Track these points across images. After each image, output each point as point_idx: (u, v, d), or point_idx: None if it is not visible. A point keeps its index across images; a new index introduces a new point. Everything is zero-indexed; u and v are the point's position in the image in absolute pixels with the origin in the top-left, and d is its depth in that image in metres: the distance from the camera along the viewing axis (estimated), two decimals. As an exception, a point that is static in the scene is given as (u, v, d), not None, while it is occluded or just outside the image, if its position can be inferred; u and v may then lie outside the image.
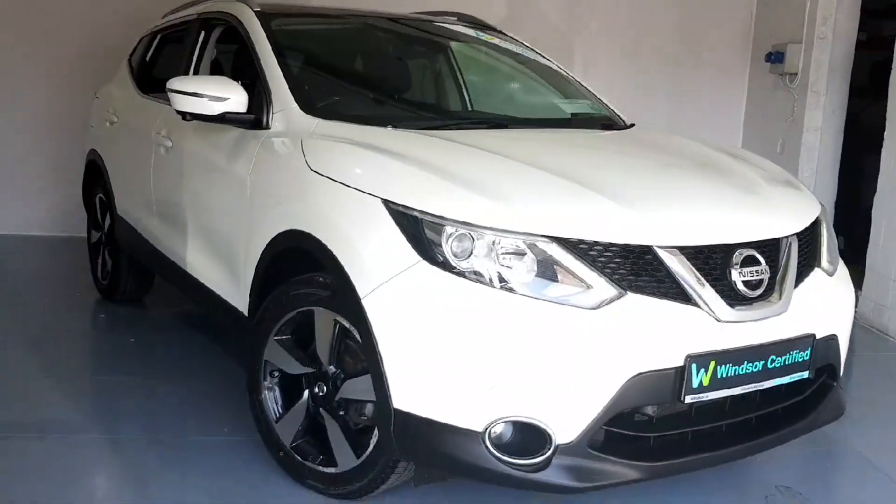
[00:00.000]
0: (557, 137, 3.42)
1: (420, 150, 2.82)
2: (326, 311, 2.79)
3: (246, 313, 3.26)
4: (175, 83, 3.31)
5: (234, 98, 3.27)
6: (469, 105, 3.95)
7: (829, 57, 6.47)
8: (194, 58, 4.18)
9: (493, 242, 2.42)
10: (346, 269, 2.60)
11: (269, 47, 3.48)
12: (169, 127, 3.99)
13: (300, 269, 2.93)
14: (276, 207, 3.02)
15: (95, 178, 5.19)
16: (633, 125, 3.83)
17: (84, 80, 6.73)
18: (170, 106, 3.97)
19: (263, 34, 3.55)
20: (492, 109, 3.83)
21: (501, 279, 2.40)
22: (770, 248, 2.69)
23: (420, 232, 2.47)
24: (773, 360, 2.60)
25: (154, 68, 4.90)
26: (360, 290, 2.55)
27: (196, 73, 4.17)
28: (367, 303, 2.53)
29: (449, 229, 2.44)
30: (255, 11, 3.74)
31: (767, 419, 2.75)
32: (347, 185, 2.69)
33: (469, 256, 2.43)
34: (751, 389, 2.59)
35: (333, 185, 2.74)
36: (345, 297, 2.64)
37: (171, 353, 4.33)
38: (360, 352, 2.67)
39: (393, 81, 3.84)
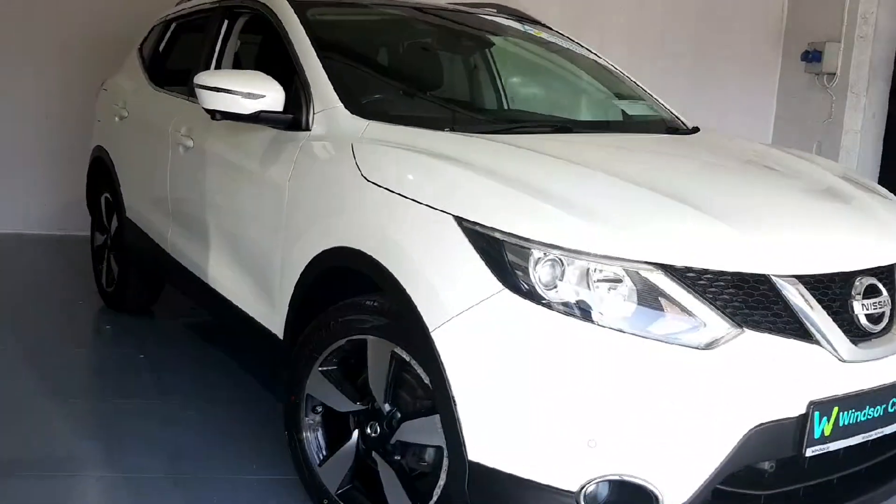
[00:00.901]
0: (633, 143, 3.09)
1: (490, 159, 2.48)
2: (382, 340, 2.45)
3: (280, 336, 2.92)
4: (204, 78, 2.96)
5: (271, 95, 2.92)
6: (522, 105, 3.60)
7: (869, 57, 6.18)
8: (216, 50, 3.82)
9: (589, 270, 2.09)
10: (411, 295, 2.26)
11: (308, 40, 3.13)
12: (190, 124, 3.64)
13: (349, 290, 2.60)
14: (321, 220, 2.68)
15: (101, 176, 4.84)
16: (696, 129, 3.51)
17: (85, 69, 6.39)
18: (189, 101, 3.70)
19: (300, 25, 3.21)
20: (547, 110, 3.50)
21: (598, 313, 2.06)
22: (888, 276, 2.37)
23: (502, 256, 2.13)
24: (894, 404, 2.29)
25: (168, 59, 4.54)
26: (429, 320, 2.21)
27: (218, 66, 3.81)
28: (437, 336, 2.19)
29: (537, 253, 2.10)
30: (288, 1, 3.39)
31: (880, 468, 2.43)
32: (411, 198, 2.34)
33: (558, 285, 2.09)
34: (872, 437, 2.27)
35: (393, 198, 2.39)
36: (407, 327, 2.31)
37: (185, 371, 3.98)
38: (422, 389, 2.34)
39: (441, 79, 3.50)
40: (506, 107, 3.44)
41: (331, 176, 2.68)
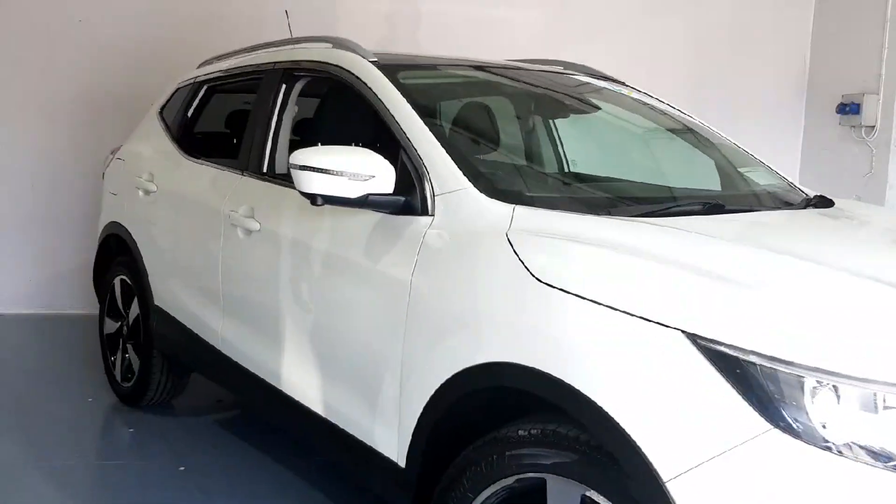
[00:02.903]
0: (810, 224, 2.68)
1: (695, 254, 2.04)
2: (570, 482, 1.98)
3: (402, 463, 2.42)
4: (302, 157, 2.48)
5: (381, 176, 2.47)
6: (654, 178, 3.18)
7: (911, 109, 5.94)
8: (273, 118, 3.35)
9: (874, 399, 1.65)
10: (630, 433, 1.80)
11: (410, 109, 2.69)
12: (252, 204, 3.15)
13: (495, 415, 2.15)
14: (467, 329, 2.20)
15: (117, 257, 4.30)
16: (820, 197, 3.11)
17: (74, 129, 5.85)
18: (246, 176, 3.24)
19: (397, 92, 2.76)
20: (679, 183, 3.09)
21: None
22: None
23: (762, 385, 1.69)
24: None
25: (200, 126, 4.05)
26: (664, 468, 1.74)
27: (276, 137, 3.34)
28: (676, 488, 1.73)
29: (810, 382, 1.67)
30: (373, 63, 2.95)
31: None
32: (614, 306, 1.89)
33: (835, 421, 1.65)
34: None
35: (585, 306, 1.93)
36: (604, 465, 1.86)
37: (237, 485, 3.44)
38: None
39: (561, 151, 3.06)
40: (643, 181, 3.02)
41: (482, 276, 2.21)
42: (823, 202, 3.03)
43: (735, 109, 6.86)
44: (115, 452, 3.89)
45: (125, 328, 4.29)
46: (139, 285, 4.05)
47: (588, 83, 3.52)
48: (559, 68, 3.63)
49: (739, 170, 3.22)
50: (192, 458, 3.70)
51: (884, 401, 1.65)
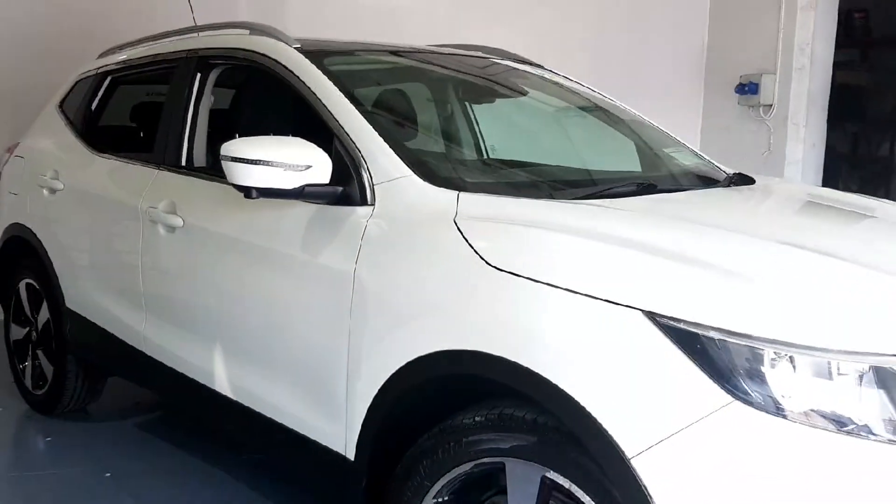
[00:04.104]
0: (744, 200, 2.75)
1: (646, 233, 2.06)
2: (530, 464, 1.98)
3: (350, 456, 2.39)
4: (233, 148, 2.39)
5: (318, 165, 2.41)
6: (585, 162, 3.19)
7: (807, 87, 6.18)
8: (188, 109, 3.24)
9: (829, 368, 1.71)
10: (593, 412, 1.81)
11: (342, 96, 2.63)
12: (174, 199, 3.04)
13: (447, 403, 2.15)
14: (417, 319, 2.18)
15: (21, 259, 4.09)
16: (740, 175, 3.19)
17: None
18: (163, 170, 3.13)
19: (326, 79, 2.70)
20: (605, 166, 3.11)
21: (853, 421, 1.68)
22: None
23: (722, 358, 1.72)
24: None
25: (106, 120, 3.88)
26: (628, 445, 1.76)
27: (193, 128, 3.23)
28: (640, 464, 1.75)
29: (768, 353, 1.71)
30: (297, 49, 2.87)
31: None
32: (571, 289, 1.89)
33: (794, 391, 1.70)
34: None
35: (542, 291, 1.93)
36: (562, 445, 1.88)
37: (165, 487, 3.33)
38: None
39: (493, 134, 3.06)
40: (576, 164, 3.03)
41: (431, 264, 2.18)
42: (744, 179, 3.12)
43: (635, 90, 6.96)
44: (35, 463, 3.70)
45: (34, 333, 4.09)
46: (48, 288, 3.87)
47: (512, 68, 3.52)
48: (479, 53, 3.62)
49: (665, 150, 3.27)
50: (118, 463, 3.56)
51: (838, 368, 1.70)
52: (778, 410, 1.68)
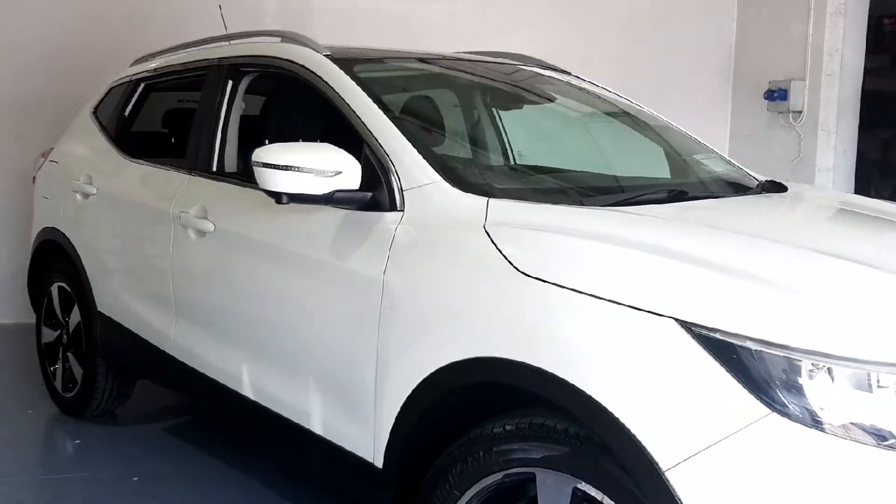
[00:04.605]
0: (777, 208, 2.72)
1: (678, 241, 2.04)
2: (560, 475, 1.96)
3: (378, 464, 2.38)
4: (264, 154, 2.40)
5: (348, 171, 2.41)
6: (616, 169, 3.18)
7: (837, 94, 6.11)
8: (220, 116, 3.25)
9: (868, 380, 1.68)
10: (626, 423, 1.79)
11: (372, 103, 2.63)
12: (205, 204, 3.05)
13: (477, 410, 2.14)
14: (446, 326, 2.17)
15: (54, 263, 4.13)
16: (772, 182, 3.16)
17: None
18: (195, 176, 3.15)
19: (356, 86, 2.70)
20: (634, 172, 3.10)
21: (894, 435, 1.65)
22: None
23: (759, 369, 1.70)
24: None
25: (140, 126, 3.91)
26: (662, 457, 1.74)
27: (225, 135, 3.25)
28: (675, 477, 1.73)
29: (806, 365, 1.68)
30: (327, 56, 2.88)
31: None
32: (603, 297, 1.88)
33: (832, 403, 1.67)
34: None
35: (573, 298, 1.92)
36: (595, 457, 1.87)
37: (193, 491, 3.34)
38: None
39: (520, 140, 3.05)
40: (607, 171, 3.01)
41: (461, 270, 2.17)
42: (776, 187, 3.09)
43: (663, 97, 6.91)
44: (64, 465, 3.73)
45: (65, 336, 4.13)
46: (80, 292, 3.90)
47: (539, 74, 3.51)
48: (506, 60, 3.61)
49: (694, 157, 3.25)
50: (145, 467, 3.58)
51: (878, 380, 1.67)
52: (816, 423, 1.66)
